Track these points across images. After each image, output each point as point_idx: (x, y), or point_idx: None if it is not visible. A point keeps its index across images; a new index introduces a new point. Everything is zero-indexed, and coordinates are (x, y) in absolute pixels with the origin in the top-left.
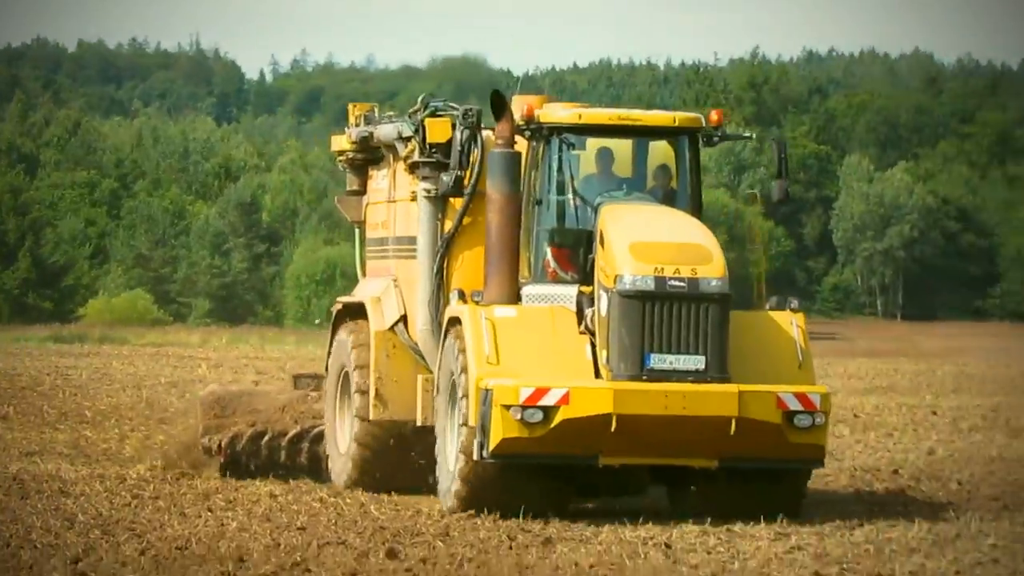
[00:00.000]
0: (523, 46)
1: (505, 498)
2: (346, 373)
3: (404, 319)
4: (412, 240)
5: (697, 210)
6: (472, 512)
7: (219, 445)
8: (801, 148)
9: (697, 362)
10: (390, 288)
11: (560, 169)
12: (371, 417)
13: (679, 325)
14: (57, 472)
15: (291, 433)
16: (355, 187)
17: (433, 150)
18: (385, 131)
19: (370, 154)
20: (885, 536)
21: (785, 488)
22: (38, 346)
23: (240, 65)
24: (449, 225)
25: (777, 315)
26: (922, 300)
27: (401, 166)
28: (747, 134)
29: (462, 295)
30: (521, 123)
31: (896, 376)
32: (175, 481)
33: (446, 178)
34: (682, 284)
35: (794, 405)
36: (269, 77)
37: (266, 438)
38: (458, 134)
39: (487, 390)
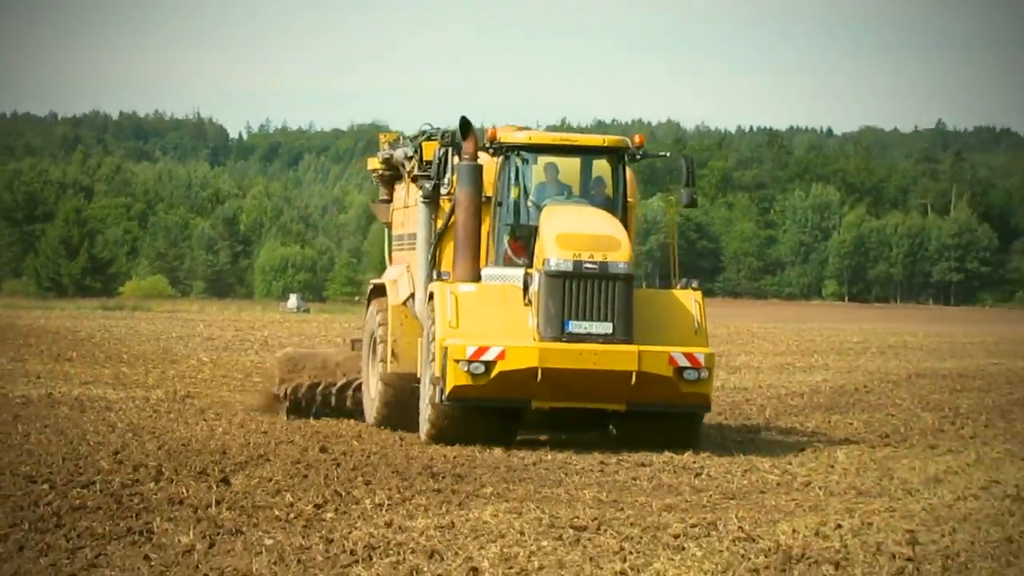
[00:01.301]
0: (413, 113)
1: (462, 433)
2: (374, 337)
3: (413, 296)
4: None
5: (624, 211)
6: (446, 443)
7: (284, 392)
8: None
9: (606, 327)
10: (404, 273)
11: (516, 179)
12: (388, 370)
13: (592, 298)
14: (104, 395)
15: (339, 383)
16: (384, 196)
17: (427, 165)
18: (399, 153)
19: (395, 171)
20: (644, 439)
21: (683, 427)
22: (92, 312)
23: (225, 127)
24: (440, 224)
25: (680, 293)
26: (669, 285)
27: (409, 179)
28: (663, 152)
29: (439, 275)
30: (486, 143)
31: None
32: (182, 401)
33: (427, 185)
34: (595, 266)
35: (683, 362)
36: (245, 136)
37: (320, 387)
38: (437, 152)
39: (445, 348)
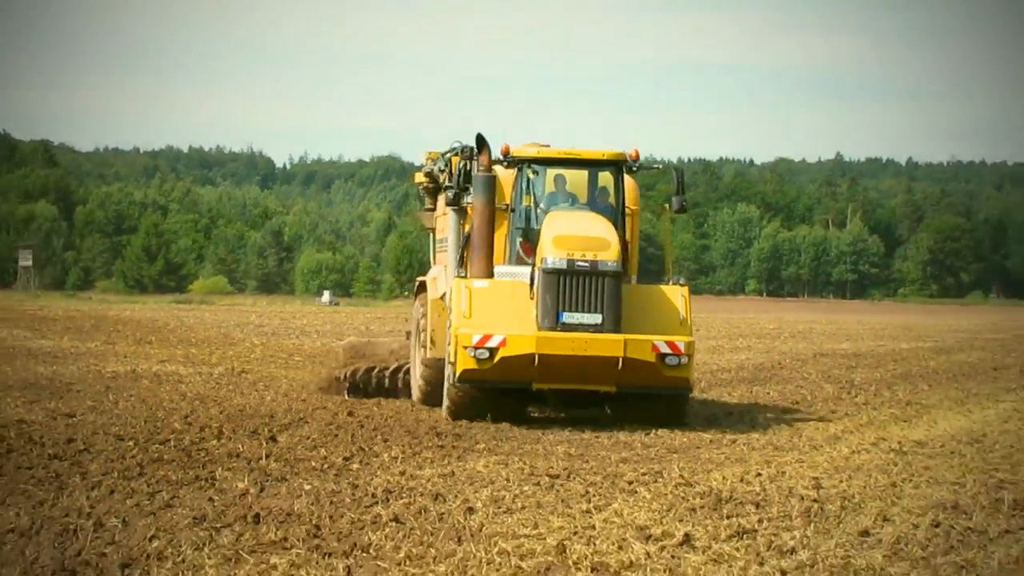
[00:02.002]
0: (421, 145)
1: (477, 411)
2: (418, 327)
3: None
4: None
5: (621, 216)
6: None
7: (345, 375)
8: None
9: (596, 318)
10: (441, 271)
11: (527, 188)
12: (427, 356)
13: (583, 292)
14: (176, 371)
15: (391, 367)
16: (429, 206)
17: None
18: (436, 168)
19: (435, 183)
20: (636, 417)
21: (671, 406)
22: (167, 305)
23: (273, 159)
24: (467, 228)
25: (668, 288)
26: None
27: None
28: (656, 165)
29: (460, 273)
30: (500, 157)
31: None
32: (238, 375)
33: (450, 193)
34: (586, 264)
35: (665, 349)
36: (288, 165)
37: (375, 371)
38: (459, 164)
39: (457, 336)
